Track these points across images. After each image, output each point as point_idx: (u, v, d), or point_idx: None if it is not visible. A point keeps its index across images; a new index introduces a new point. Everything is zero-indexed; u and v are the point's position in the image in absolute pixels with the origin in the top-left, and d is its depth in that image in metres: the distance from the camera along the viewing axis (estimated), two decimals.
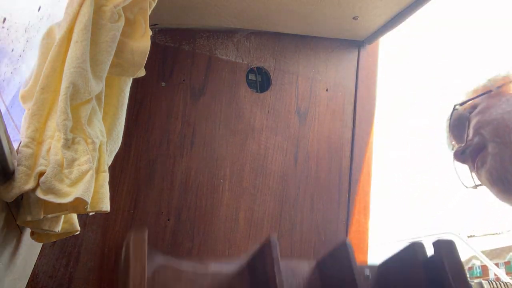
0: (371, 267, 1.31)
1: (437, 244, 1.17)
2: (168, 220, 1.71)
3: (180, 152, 1.79)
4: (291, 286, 1.23)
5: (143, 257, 0.95)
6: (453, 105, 1.01)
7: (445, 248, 1.16)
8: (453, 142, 1.03)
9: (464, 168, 1.01)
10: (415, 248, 1.21)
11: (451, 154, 1.03)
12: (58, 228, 0.88)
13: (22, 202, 0.81)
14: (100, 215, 1.59)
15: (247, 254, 1.28)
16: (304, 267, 1.31)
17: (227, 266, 1.24)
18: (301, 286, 1.25)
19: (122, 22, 0.87)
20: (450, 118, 1.02)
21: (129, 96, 1.08)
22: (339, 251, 1.27)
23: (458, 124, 1.00)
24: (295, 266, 1.30)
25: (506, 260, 10.10)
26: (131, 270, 0.92)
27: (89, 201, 0.77)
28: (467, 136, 0.96)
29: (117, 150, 1.06)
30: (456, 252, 1.15)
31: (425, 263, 1.19)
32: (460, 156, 0.97)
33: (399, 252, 1.30)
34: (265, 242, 1.19)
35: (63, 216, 0.89)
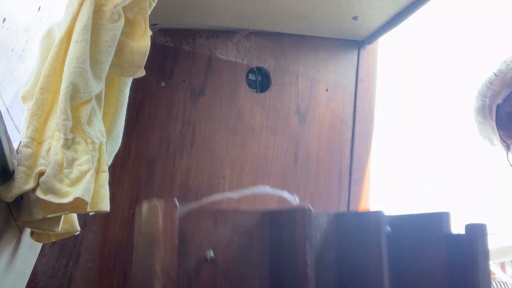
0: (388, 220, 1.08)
1: (471, 226, 1.00)
2: None
3: (180, 152, 1.79)
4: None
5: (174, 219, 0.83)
6: (496, 104, 0.99)
7: (480, 231, 0.99)
8: (502, 135, 1.00)
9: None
10: (441, 219, 1.03)
11: (495, 148, 1.03)
12: (58, 228, 0.88)
13: (22, 202, 0.81)
14: (100, 215, 1.59)
15: (271, 212, 1.11)
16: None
17: (248, 219, 1.09)
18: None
19: (122, 22, 0.87)
20: (496, 116, 0.99)
21: (129, 96, 1.08)
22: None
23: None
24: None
25: None
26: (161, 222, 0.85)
27: (89, 201, 0.77)
28: None
29: (117, 150, 1.06)
30: (487, 239, 0.99)
31: (448, 239, 1.01)
32: None
33: (419, 217, 1.10)
34: (298, 208, 0.98)
35: (63, 216, 0.90)
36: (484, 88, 1.05)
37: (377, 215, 1.03)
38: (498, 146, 1.07)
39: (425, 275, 1.02)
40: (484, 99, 1.04)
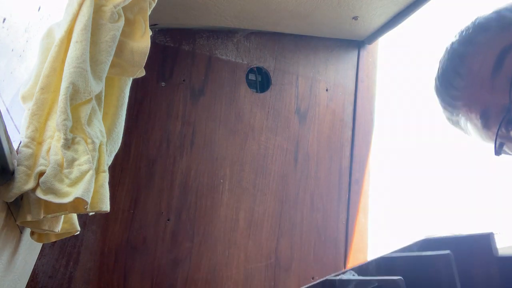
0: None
1: None
2: (168, 220, 1.71)
3: (180, 152, 1.79)
4: None
5: None
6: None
7: None
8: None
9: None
10: (489, 240, 1.00)
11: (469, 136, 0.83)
12: (58, 228, 0.88)
13: (22, 202, 0.81)
14: (100, 215, 1.59)
15: None
16: None
17: None
18: None
19: (122, 22, 0.87)
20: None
21: (129, 96, 1.08)
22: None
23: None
24: None
25: None
26: None
27: (89, 201, 0.77)
28: None
29: (117, 150, 1.06)
30: None
31: (501, 262, 0.98)
32: None
33: (464, 238, 1.07)
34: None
35: (63, 216, 0.90)
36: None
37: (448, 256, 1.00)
38: (474, 133, 0.86)
39: None
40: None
